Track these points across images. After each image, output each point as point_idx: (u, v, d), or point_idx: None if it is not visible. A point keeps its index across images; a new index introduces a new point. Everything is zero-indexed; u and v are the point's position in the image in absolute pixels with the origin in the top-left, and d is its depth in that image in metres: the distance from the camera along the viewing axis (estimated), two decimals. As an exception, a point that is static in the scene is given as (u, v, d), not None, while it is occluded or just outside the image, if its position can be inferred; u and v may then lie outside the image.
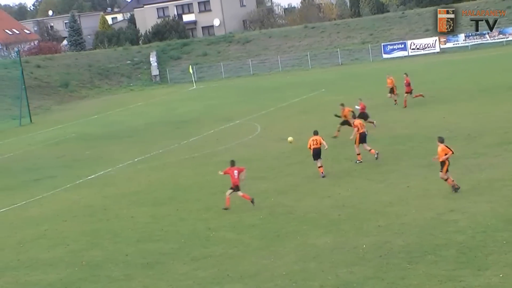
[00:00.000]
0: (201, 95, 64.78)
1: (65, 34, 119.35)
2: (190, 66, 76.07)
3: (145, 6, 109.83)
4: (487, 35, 70.32)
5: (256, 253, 18.95)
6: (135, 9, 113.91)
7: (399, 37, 78.49)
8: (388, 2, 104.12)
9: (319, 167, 26.42)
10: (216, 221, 22.39)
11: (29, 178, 34.21)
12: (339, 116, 33.19)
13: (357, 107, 33.95)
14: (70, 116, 59.56)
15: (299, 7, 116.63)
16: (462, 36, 71.29)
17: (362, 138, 27.82)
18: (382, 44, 75.95)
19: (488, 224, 18.69)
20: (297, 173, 27.61)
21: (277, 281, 16.66)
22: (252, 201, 23.25)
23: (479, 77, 48.98)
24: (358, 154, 27.97)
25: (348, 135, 29.42)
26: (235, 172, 23.17)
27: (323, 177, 26.20)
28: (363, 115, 33.16)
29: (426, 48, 73.20)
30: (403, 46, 74.40)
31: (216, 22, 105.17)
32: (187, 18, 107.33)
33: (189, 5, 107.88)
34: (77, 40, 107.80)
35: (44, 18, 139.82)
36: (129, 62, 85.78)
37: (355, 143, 27.95)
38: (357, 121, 28.49)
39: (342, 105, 33.21)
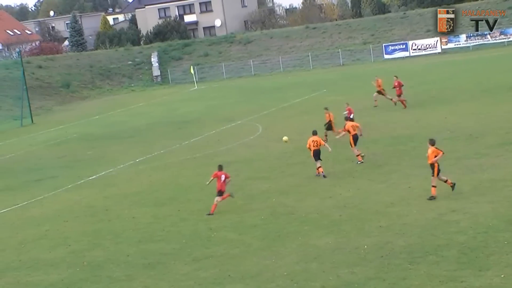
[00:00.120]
0: (202, 95, 64.78)
1: (67, 34, 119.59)
2: (192, 67, 76.04)
3: (146, 7, 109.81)
4: (488, 36, 70.25)
5: (257, 253, 18.95)
6: (136, 10, 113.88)
7: (401, 37, 78.41)
8: (389, 2, 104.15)
9: (318, 167, 26.47)
10: (217, 222, 22.40)
11: (30, 178, 34.24)
12: (327, 124, 33.04)
13: (344, 113, 33.68)
14: (71, 117, 59.60)
15: (300, 7, 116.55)
16: (463, 36, 71.24)
17: (355, 141, 27.97)
18: (384, 44, 75.88)
19: (490, 224, 18.68)
20: (299, 174, 27.62)
21: (278, 282, 16.66)
22: (231, 195, 23.59)
23: (481, 78, 48.92)
24: (358, 155, 28.01)
25: (348, 135, 29.37)
26: (222, 176, 23.29)
27: (324, 177, 26.22)
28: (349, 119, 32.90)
29: (427, 48, 73.11)
30: (404, 46, 74.33)
31: (218, 23, 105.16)
32: (188, 18, 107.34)
33: (190, 5, 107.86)
34: (78, 41, 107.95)
35: (45, 19, 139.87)
36: (130, 62, 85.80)
37: (351, 146, 28.06)
38: (348, 124, 28.54)
39: (326, 109, 33.31)
